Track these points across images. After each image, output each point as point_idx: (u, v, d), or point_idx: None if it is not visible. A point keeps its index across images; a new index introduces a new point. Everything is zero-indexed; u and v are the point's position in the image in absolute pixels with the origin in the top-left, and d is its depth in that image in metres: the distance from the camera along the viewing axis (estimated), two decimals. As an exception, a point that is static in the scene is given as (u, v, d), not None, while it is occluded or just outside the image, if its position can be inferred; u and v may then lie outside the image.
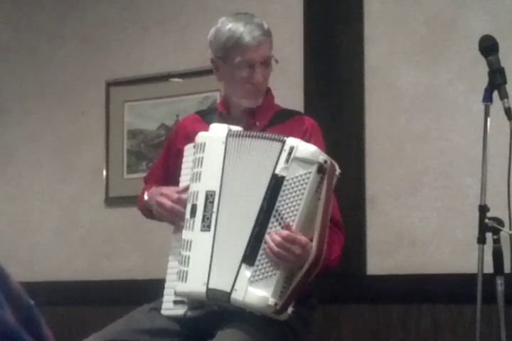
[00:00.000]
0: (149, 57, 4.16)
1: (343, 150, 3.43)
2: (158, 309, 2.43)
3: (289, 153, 2.26)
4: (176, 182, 2.51)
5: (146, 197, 2.63)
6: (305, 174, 2.24)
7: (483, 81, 2.68)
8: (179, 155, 2.55)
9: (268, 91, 2.66)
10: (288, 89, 3.58)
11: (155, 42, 4.15)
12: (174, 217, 2.44)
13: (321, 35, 3.69)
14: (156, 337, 2.41)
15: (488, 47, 2.67)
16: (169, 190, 2.49)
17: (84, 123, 4.29)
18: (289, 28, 3.75)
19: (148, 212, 2.64)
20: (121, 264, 4.06)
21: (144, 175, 4.02)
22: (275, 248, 2.21)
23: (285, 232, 2.22)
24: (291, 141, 2.29)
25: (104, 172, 4.18)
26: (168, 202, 2.45)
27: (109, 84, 4.24)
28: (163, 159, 2.77)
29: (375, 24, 3.61)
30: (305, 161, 2.25)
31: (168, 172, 2.69)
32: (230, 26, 2.50)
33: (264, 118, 2.60)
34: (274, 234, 2.22)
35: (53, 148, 4.36)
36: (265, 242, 2.23)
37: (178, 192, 2.45)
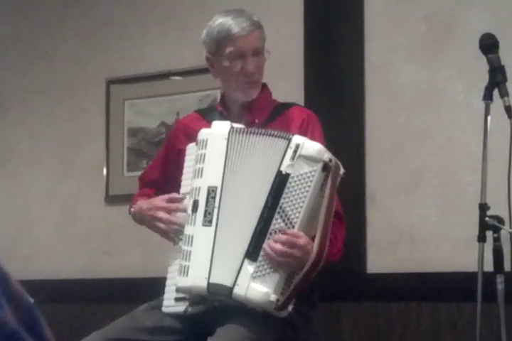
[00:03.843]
0: (149, 55, 4.16)
1: (343, 147, 3.42)
2: (159, 307, 2.43)
3: (295, 151, 2.27)
4: (175, 182, 2.51)
5: (132, 210, 2.63)
6: (310, 172, 2.25)
7: (484, 79, 2.67)
8: (179, 155, 2.54)
9: (264, 86, 2.66)
10: (288, 86, 3.58)
11: (155, 40, 4.15)
12: (173, 231, 2.43)
13: (322, 32, 3.69)
14: (156, 335, 2.41)
15: (489, 45, 2.67)
16: (162, 201, 2.49)
17: (85, 121, 4.29)
18: (289, 25, 3.75)
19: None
20: (121, 262, 4.06)
21: (144, 173, 4.02)
22: (277, 258, 2.22)
23: (284, 237, 2.23)
24: (297, 139, 2.29)
25: (105, 170, 4.18)
26: (165, 216, 2.45)
27: (110, 82, 4.24)
28: (162, 158, 2.76)
29: (375, 21, 3.60)
30: (310, 159, 2.26)
31: (166, 172, 2.67)
32: (220, 21, 2.54)
33: (262, 115, 2.60)
34: (272, 243, 2.23)
35: (53, 145, 4.36)
36: (271, 233, 2.24)
37: (172, 200, 2.46)
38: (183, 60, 4.03)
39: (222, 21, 2.53)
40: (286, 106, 2.67)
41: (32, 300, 1.16)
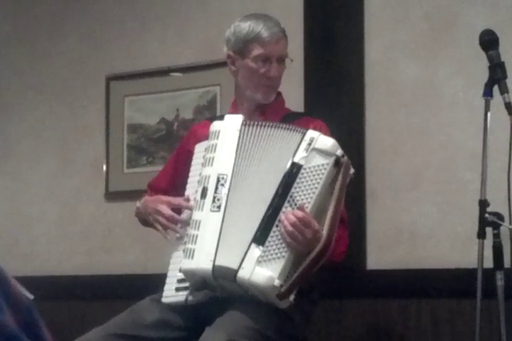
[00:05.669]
0: (149, 51, 4.16)
1: (343, 145, 3.40)
2: (159, 300, 2.44)
3: (309, 144, 2.32)
4: (185, 188, 2.53)
5: (138, 204, 2.66)
6: (322, 165, 2.29)
7: (484, 75, 2.67)
8: (189, 157, 2.58)
9: (279, 94, 2.74)
10: (288, 84, 3.56)
11: (155, 37, 4.15)
12: (170, 227, 2.46)
13: (321, 30, 3.68)
14: (157, 330, 2.42)
15: (489, 41, 2.67)
16: (167, 197, 2.53)
17: (85, 118, 4.29)
18: (289, 23, 3.71)
19: (143, 220, 2.69)
20: (120, 259, 4.06)
21: (144, 169, 4.03)
22: (289, 227, 2.23)
23: (301, 213, 2.24)
24: (311, 133, 2.35)
25: (104, 167, 4.18)
26: (167, 211, 2.49)
27: (109, 79, 4.23)
28: (172, 163, 2.81)
29: (375, 19, 3.60)
30: (324, 153, 2.31)
31: (176, 176, 2.70)
32: (250, 22, 2.61)
33: (274, 119, 2.63)
34: (289, 214, 2.25)
35: (53, 142, 4.36)
36: (279, 220, 2.25)
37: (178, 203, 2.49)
38: (182, 56, 4.03)
39: (252, 23, 2.60)
40: (298, 115, 2.75)
41: (31, 297, 1.16)
